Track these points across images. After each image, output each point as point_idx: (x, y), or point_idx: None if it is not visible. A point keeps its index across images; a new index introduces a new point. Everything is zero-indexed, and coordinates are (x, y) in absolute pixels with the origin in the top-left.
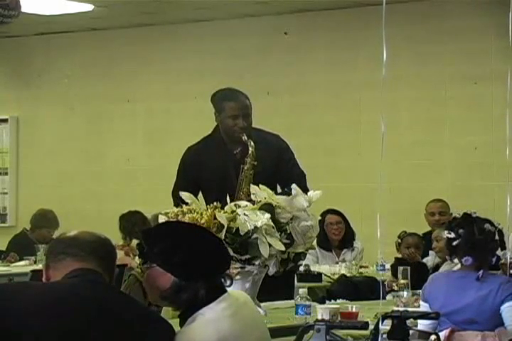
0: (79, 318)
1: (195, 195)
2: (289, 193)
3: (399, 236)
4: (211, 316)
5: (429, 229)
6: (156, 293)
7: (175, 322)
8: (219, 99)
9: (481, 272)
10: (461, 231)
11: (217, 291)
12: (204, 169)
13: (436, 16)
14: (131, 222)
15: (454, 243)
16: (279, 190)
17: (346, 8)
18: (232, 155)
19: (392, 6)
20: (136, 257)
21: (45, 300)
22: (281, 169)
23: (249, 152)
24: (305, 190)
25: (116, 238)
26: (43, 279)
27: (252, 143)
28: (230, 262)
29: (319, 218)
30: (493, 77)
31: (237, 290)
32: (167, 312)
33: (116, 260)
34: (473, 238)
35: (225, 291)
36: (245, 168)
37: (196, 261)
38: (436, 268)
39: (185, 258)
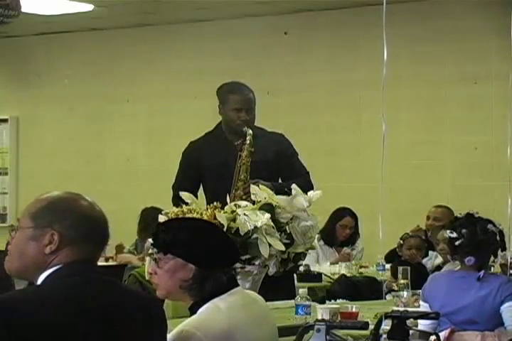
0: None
1: (197, 185)
2: (289, 191)
3: (401, 238)
4: (223, 305)
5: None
6: (175, 285)
7: (175, 322)
8: (224, 91)
9: (482, 272)
10: (463, 231)
11: (229, 284)
12: (205, 160)
13: (436, 16)
14: (150, 217)
15: (457, 242)
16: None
17: (346, 8)
18: (233, 147)
19: (392, 6)
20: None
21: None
22: (283, 162)
23: (247, 139)
24: (310, 186)
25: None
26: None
27: (250, 131)
28: (238, 253)
29: (332, 214)
30: (494, 77)
31: (248, 290)
32: (167, 312)
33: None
34: (476, 238)
35: (237, 285)
36: (243, 154)
37: (215, 251)
38: (437, 269)
39: (205, 248)
